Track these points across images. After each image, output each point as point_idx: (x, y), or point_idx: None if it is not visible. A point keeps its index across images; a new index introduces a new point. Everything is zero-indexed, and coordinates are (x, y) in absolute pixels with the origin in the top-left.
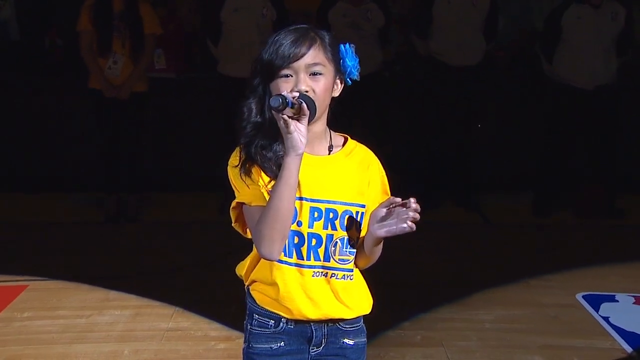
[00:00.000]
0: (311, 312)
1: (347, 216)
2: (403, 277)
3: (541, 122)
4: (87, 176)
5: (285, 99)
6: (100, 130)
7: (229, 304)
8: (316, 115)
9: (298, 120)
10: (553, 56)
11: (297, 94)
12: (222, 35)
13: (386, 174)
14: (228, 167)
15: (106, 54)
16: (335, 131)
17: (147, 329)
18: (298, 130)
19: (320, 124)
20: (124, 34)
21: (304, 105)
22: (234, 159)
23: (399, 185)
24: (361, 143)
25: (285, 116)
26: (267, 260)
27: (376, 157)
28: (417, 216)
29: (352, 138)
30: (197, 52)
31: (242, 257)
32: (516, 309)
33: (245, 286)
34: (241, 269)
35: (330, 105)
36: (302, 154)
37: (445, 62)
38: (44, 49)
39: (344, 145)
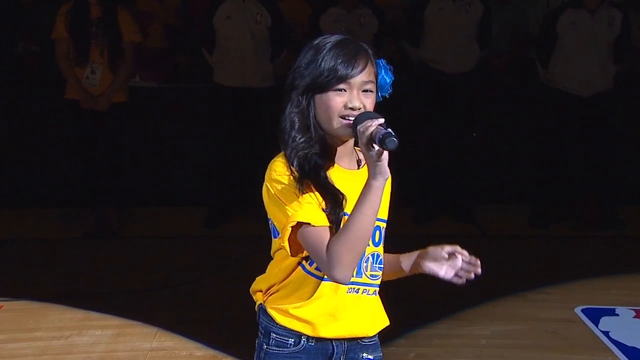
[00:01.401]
0: (339, 330)
1: (377, 232)
2: (396, 292)
3: (537, 130)
4: (65, 190)
5: (394, 136)
6: (78, 143)
7: (215, 322)
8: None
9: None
10: (548, 62)
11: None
12: (216, 43)
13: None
14: (270, 179)
15: (83, 63)
16: None
17: (129, 349)
18: (385, 157)
19: (351, 139)
20: (102, 42)
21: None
22: (281, 172)
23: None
24: None
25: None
26: (339, 283)
27: None
28: (472, 276)
29: None
30: (181, 61)
31: (230, 274)
32: (514, 324)
33: (259, 304)
34: (262, 283)
35: None
36: (388, 177)
37: (438, 69)
38: (16, 55)
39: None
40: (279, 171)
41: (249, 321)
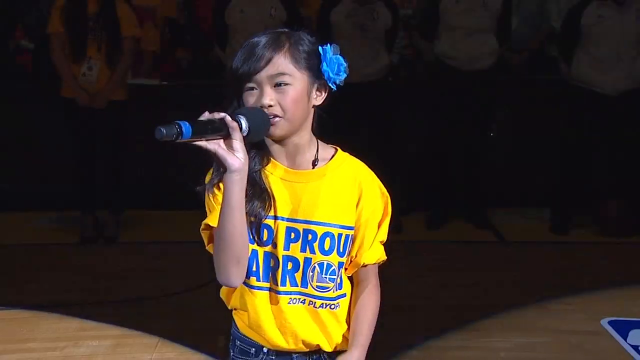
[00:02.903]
0: (284, 342)
1: (327, 238)
2: (409, 300)
3: (559, 131)
4: (60, 193)
5: (174, 129)
6: (74, 143)
7: (218, 332)
8: (283, 130)
9: (225, 137)
10: (572, 59)
11: (223, 115)
12: (229, 39)
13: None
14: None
15: (80, 59)
16: (328, 143)
17: None
18: (227, 148)
19: (301, 136)
20: (100, 37)
21: (227, 118)
22: (208, 177)
23: (404, 199)
24: (363, 154)
25: (201, 142)
26: (228, 287)
27: (371, 172)
28: None
29: (344, 150)
30: (183, 56)
31: None
32: (534, 335)
33: (230, 310)
34: (223, 292)
35: (314, 114)
36: (241, 170)
37: (454, 66)
38: (8, 52)
39: (331, 158)
40: (206, 177)
41: None
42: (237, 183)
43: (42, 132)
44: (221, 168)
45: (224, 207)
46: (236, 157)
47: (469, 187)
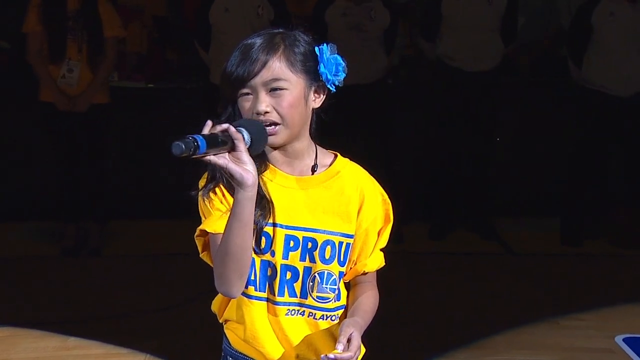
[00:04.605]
0: (281, 355)
1: (327, 247)
2: (411, 315)
3: (569, 135)
4: (41, 202)
5: (191, 143)
6: (55, 149)
7: (208, 348)
8: (282, 137)
9: (230, 150)
10: (582, 59)
11: (226, 126)
12: (212, 39)
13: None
14: (198, 191)
15: (59, 61)
16: (327, 148)
17: None
18: (236, 162)
19: (300, 142)
20: (80, 37)
21: (231, 129)
22: (202, 181)
23: (404, 208)
24: (362, 161)
25: (210, 157)
26: (228, 297)
27: (372, 179)
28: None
29: (344, 156)
30: (173, 58)
31: None
32: (544, 353)
33: (221, 324)
34: (215, 305)
35: (312, 118)
36: (255, 185)
37: (457, 67)
38: None
39: (331, 164)
40: (200, 182)
41: None
42: (251, 199)
43: (20, 138)
44: (233, 183)
45: (234, 222)
46: (249, 171)
47: (473, 195)
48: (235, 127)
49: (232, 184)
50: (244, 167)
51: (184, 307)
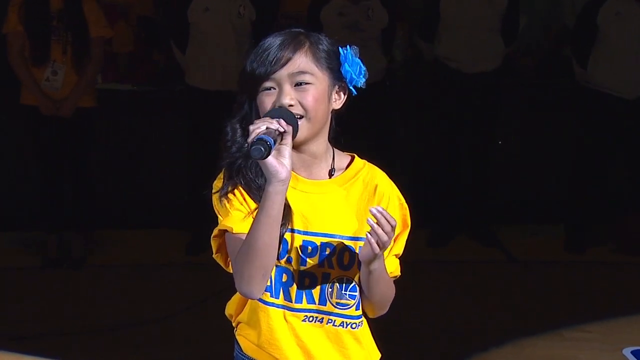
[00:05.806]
0: None
1: (346, 252)
2: (410, 325)
3: (573, 138)
4: (21, 211)
5: (268, 143)
6: (37, 156)
7: None
8: (303, 132)
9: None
10: (587, 60)
11: (274, 122)
12: (191, 39)
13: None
14: (213, 191)
15: (43, 63)
16: (344, 150)
17: None
18: (274, 156)
19: (319, 143)
20: (65, 38)
21: (282, 121)
22: (218, 182)
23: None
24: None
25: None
26: (248, 298)
27: (390, 182)
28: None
29: (360, 157)
30: (160, 59)
31: (212, 308)
32: None
33: (234, 329)
34: (231, 307)
35: (331, 119)
36: (287, 180)
37: (456, 68)
38: None
39: (348, 166)
40: (215, 182)
41: None
42: (282, 193)
43: (1, 143)
44: (266, 175)
45: (263, 217)
46: (285, 165)
47: (474, 201)
48: (272, 118)
49: (251, 185)
50: (280, 160)
51: (174, 319)
